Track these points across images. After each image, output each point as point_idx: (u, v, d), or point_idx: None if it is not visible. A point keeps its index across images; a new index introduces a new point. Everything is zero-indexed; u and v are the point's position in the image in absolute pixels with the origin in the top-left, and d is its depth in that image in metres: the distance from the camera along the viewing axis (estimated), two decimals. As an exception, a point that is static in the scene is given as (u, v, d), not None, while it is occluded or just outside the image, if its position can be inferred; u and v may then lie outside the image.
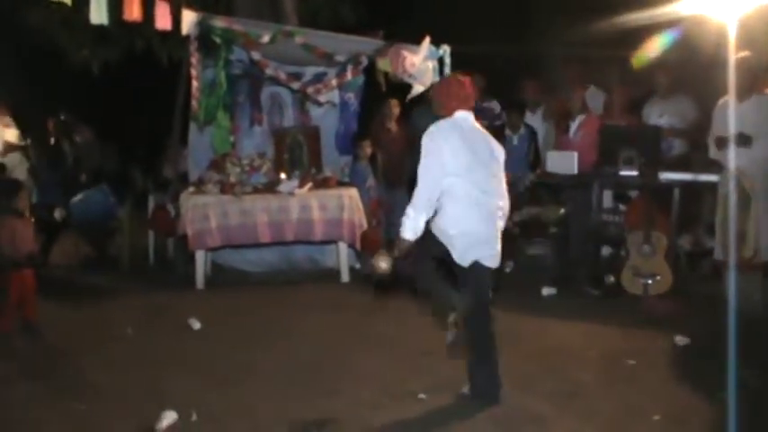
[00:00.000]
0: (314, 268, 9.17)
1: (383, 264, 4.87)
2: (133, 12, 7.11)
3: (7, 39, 12.20)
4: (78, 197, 9.29)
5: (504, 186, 5.04)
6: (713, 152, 7.37)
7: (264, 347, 6.22)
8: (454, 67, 8.45)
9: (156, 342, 6.47)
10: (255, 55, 8.13)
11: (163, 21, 7.62)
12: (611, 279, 7.75)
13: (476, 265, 4.87)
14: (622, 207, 8.55)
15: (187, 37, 7.98)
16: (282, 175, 8.83)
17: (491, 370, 4.94)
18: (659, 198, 7.76)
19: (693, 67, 8.69)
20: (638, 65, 9.04)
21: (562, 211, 8.60)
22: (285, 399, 5.11)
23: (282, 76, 8.42)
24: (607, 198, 8.68)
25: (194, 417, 4.78)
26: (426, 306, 6.47)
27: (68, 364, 5.87)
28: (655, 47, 8.87)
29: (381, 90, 8.58)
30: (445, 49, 8.49)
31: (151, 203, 9.83)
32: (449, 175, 4.77)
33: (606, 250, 8.82)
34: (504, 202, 5.00)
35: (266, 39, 8.03)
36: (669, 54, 8.88)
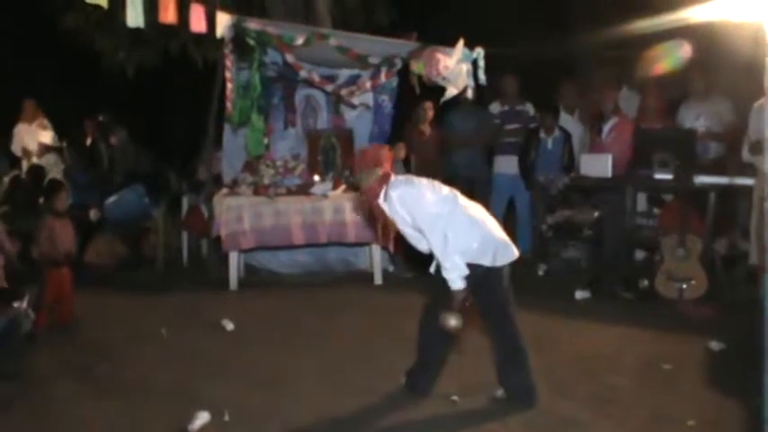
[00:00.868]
0: (347, 270, 9.18)
1: (453, 322, 4.80)
2: (168, 15, 7.19)
3: (44, 42, 12.35)
4: (113, 198, 9.36)
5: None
6: (746, 155, 7.29)
7: (297, 349, 6.24)
8: (488, 69, 8.43)
9: (189, 342, 6.52)
10: (289, 57, 8.16)
11: (197, 23, 7.70)
12: (645, 283, 7.67)
13: (504, 267, 4.88)
14: (656, 210, 8.49)
15: (221, 39, 8.05)
16: (316, 178, 8.86)
17: (523, 372, 4.93)
18: (694, 201, 7.69)
19: (730, 69, 8.61)
20: (671, 67, 8.98)
21: (596, 214, 8.57)
22: (317, 399, 5.12)
23: (316, 78, 8.45)
24: (641, 201, 8.62)
25: (227, 417, 4.79)
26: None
27: (103, 363, 5.92)
28: (687, 50, 8.81)
29: (415, 92, 8.58)
30: (479, 52, 8.46)
31: (185, 204, 9.91)
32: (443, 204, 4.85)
33: (640, 254, 8.77)
34: (466, 200, 5.06)
35: (300, 41, 8.05)
36: (704, 56, 8.81)
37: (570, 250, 8.75)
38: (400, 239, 6.12)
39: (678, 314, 7.05)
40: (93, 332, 6.81)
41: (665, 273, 7.40)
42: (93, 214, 9.17)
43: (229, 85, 8.08)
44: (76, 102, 12.75)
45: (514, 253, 4.90)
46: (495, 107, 9.92)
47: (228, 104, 8.16)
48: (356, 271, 9.12)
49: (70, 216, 7.16)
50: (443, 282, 4.76)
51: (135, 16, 6.86)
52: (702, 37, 8.46)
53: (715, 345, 6.07)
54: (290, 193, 8.48)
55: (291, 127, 9.47)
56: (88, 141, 11.01)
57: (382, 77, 8.46)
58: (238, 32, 8.01)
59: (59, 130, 11.33)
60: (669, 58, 8.96)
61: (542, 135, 9.26)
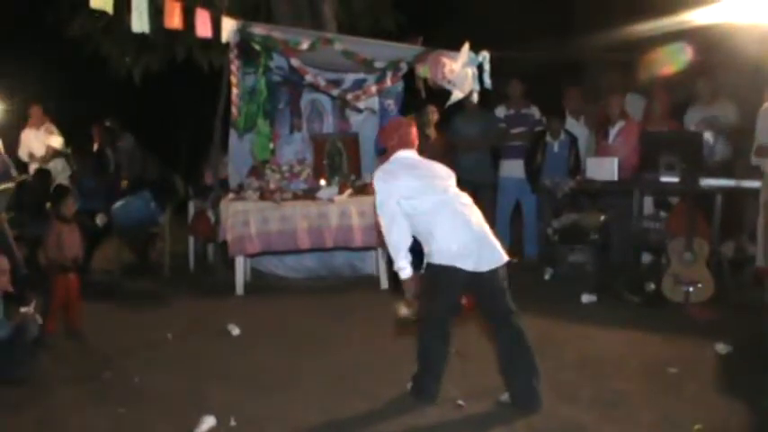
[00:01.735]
0: (353, 275, 9.18)
1: (403, 310, 5.04)
2: (174, 20, 7.21)
3: (51, 47, 12.37)
4: (120, 203, 9.36)
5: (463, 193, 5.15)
6: (755, 159, 7.28)
7: (303, 353, 6.23)
8: (494, 73, 8.42)
9: (195, 347, 6.52)
10: (295, 62, 8.17)
11: (203, 28, 7.71)
12: (652, 286, 7.64)
13: (492, 272, 4.89)
14: (663, 214, 8.47)
15: (227, 44, 8.06)
16: (322, 182, 8.87)
17: (528, 376, 4.92)
18: (701, 204, 7.67)
19: (736, 72, 8.60)
20: (677, 70, 8.97)
21: (602, 217, 8.56)
22: (324, 404, 5.12)
23: (322, 82, 8.45)
24: (648, 204, 8.61)
25: (233, 422, 4.80)
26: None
27: (109, 368, 5.92)
28: (693, 53, 8.81)
29: (421, 96, 8.58)
30: (485, 56, 8.45)
31: (191, 210, 9.92)
32: (411, 198, 4.90)
33: (647, 257, 8.76)
34: (465, 200, 5.07)
35: (306, 46, 8.05)
36: (710, 59, 8.81)
37: (577, 254, 8.72)
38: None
39: (685, 317, 7.03)
40: (100, 337, 6.80)
41: (671, 276, 7.38)
42: (100, 220, 9.18)
43: (235, 90, 8.10)
44: (83, 107, 12.76)
45: (502, 258, 4.92)
46: (500, 111, 9.93)
47: (234, 109, 8.17)
48: (362, 275, 9.10)
49: (77, 221, 7.17)
50: (429, 278, 4.86)
51: (140, 22, 6.87)
52: (708, 40, 8.47)
53: (722, 348, 6.04)
54: (296, 197, 8.47)
55: (297, 131, 9.47)
56: (95, 147, 11.03)
57: (388, 81, 8.45)
58: (244, 37, 8.03)
59: (66, 136, 11.34)
60: (675, 61, 8.96)
61: (548, 138, 9.27)
